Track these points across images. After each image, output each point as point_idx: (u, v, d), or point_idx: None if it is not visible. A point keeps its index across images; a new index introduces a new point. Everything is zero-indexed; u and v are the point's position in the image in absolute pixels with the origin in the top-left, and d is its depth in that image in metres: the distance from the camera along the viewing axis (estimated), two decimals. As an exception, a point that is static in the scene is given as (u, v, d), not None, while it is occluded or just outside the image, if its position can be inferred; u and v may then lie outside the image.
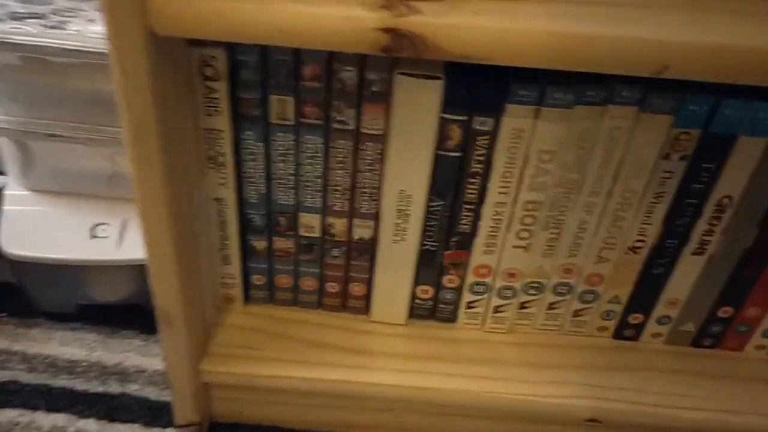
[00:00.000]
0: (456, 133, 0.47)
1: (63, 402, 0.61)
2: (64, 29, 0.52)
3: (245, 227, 0.54)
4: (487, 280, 0.56)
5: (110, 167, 0.61)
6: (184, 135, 0.45)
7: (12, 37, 0.51)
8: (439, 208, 0.51)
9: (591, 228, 0.52)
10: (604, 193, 0.50)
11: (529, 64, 0.36)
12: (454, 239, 0.53)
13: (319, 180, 0.51)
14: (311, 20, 0.35)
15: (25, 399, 0.61)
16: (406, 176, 0.49)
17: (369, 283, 0.57)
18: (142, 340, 0.66)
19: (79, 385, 0.62)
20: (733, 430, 0.56)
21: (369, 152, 0.49)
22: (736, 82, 0.36)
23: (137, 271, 0.62)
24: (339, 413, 0.61)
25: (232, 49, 0.44)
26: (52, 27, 0.52)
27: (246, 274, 0.58)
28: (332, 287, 0.58)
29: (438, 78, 0.44)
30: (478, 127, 0.47)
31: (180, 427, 0.59)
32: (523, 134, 0.47)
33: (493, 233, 0.52)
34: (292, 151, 0.49)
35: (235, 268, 0.57)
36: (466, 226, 0.52)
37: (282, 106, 0.47)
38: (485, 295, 0.57)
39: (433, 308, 0.59)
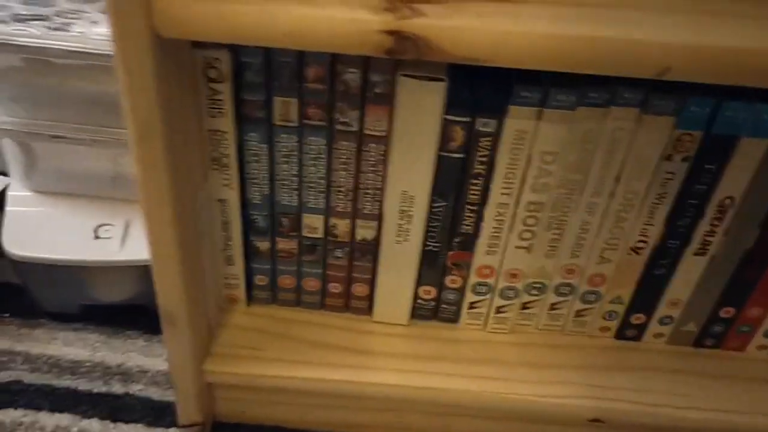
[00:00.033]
0: (459, 135, 0.47)
1: (66, 402, 0.61)
2: (68, 31, 0.52)
3: (248, 228, 0.54)
4: (490, 280, 0.56)
5: (113, 168, 0.61)
6: (188, 136, 0.46)
7: (15, 38, 0.51)
8: (441, 209, 0.51)
9: (593, 229, 0.52)
10: (607, 194, 0.50)
11: (532, 66, 0.36)
12: (456, 240, 0.53)
13: (322, 181, 0.51)
14: (315, 23, 0.35)
15: (29, 399, 0.61)
16: (409, 177, 0.50)
17: (372, 284, 0.57)
18: (145, 340, 0.66)
19: (83, 385, 0.63)
20: (735, 430, 0.56)
21: (372, 153, 0.49)
22: (737, 84, 0.37)
23: (140, 271, 0.63)
24: (341, 413, 0.61)
25: (235, 51, 0.45)
26: (55, 29, 0.52)
27: (249, 274, 0.58)
28: (335, 288, 0.58)
29: (441, 80, 0.44)
30: (480, 129, 0.47)
31: (183, 427, 0.59)
32: (526, 135, 0.47)
33: (495, 234, 0.52)
34: (295, 153, 0.49)
35: (238, 268, 0.57)
36: (469, 227, 0.53)
37: (285, 108, 0.47)
38: (487, 296, 0.57)
39: (435, 309, 0.59)
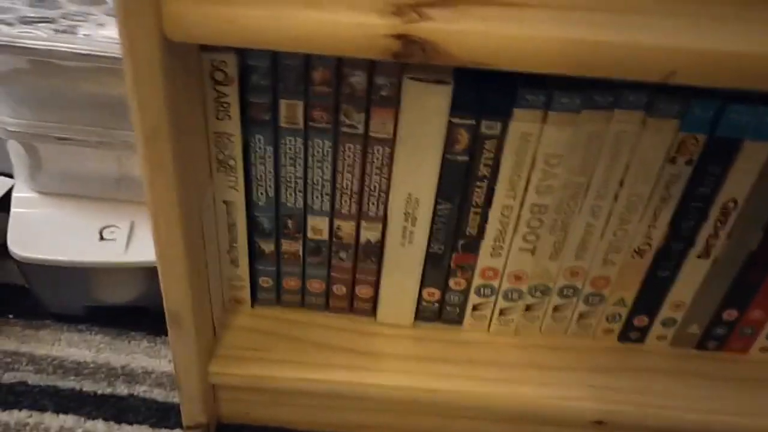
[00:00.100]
0: (464, 137, 0.47)
1: (71, 403, 0.61)
2: (74, 33, 0.52)
3: (253, 230, 0.55)
4: (494, 282, 0.56)
5: (118, 170, 0.61)
6: (194, 138, 0.46)
7: (22, 41, 0.51)
8: (446, 211, 0.52)
9: (597, 231, 0.52)
10: (611, 197, 0.50)
11: (537, 70, 0.37)
12: (461, 242, 0.54)
13: (328, 183, 0.51)
14: (322, 27, 0.36)
15: (34, 400, 0.61)
16: (414, 180, 0.50)
17: (376, 286, 0.58)
18: (149, 341, 0.67)
19: (87, 386, 0.63)
20: (737, 432, 0.56)
21: (377, 156, 0.49)
22: (742, 88, 0.37)
23: (145, 273, 0.63)
24: (345, 414, 0.61)
25: (242, 54, 0.45)
26: (62, 31, 0.52)
27: (254, 276, 0.58)
28: (339, 289, 0.58)
29: (447, 83, 0.45)
30: (485, 131, 0.47)
31: (187, 428, 0.59)
32: (531, 138, 0.47)
33: (499, 236, 0.53)
34: (300, 155, 0.50)
35: (243, 270, 0.57)
36: (473, 229, 0.53)
37: (291, 111, 0.47)
38: (491, 298, 0.57)
39: (439, 310, 0.59)
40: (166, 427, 0.61)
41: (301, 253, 0.56)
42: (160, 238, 0.45)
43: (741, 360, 0.60)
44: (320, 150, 0.49)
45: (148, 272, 0.63)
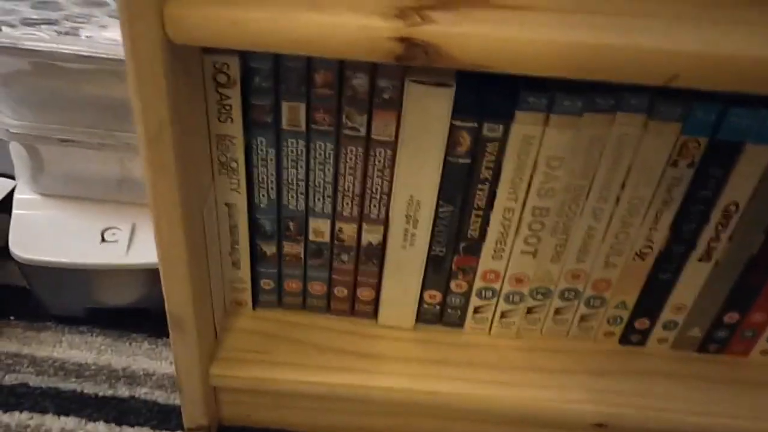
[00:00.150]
0: (466, 140, 0.47)
1: (72, 405, 0.61)
2: (77, 35, 0.52)
3: (255, 232, 0.55)
4: (495, 285, 0.56)
5: (120, 172, 0.62)
6: (196, 140, 0.46)
7: (24, 43, 0.51)
8: (447, 213, 0.52)
9: (598, 234, 0.52)
10: (612, 200, 0.50)
11: (539, 73, 0.37)
12: (462, 244, 0.54)
13: (329, 185, 0.51)
14: (325, 30, 0.36)
15: (35, 402, 0.61)
16: (416, 182, 0.50)
17: (377, 288, 0.58)
18: (151, 343, 0.67)
19: (88, 388, 0.63)
20: (739, 435, 0.56)
21: (379, 158, 0.49)
22: (744, 91, 0.37)
23: (146, 275, 0.63)
24: (346, 417, 0.61)
25: (244, 56, 0.45)
26: (64, 33, 0.52)
27: (255, 278, 0.58)
28: (341, 292, 0.58)
29: (449, 86, 0.45)
30: (487, 134, 0.47)
31: (189, 430, 0.59)
32: (533, 141, 0.47)
33: (501, 239, 0.53)
34: (302, 157, 0.50)
35: (244, 272, 0.57)
36: (475, 232, 0.53)
37: (293, 113, 0.47)
38: (493, 300, 0.57)
39: (440, 313, 0.59)
40: (167, 429, 0.61)
41: (302, 255, 0.56)
42: (162, 240, 0.45)
43: (742, 363, 0.60)
44: (322, 152, 0.49)
45: (150, 274, 0.63)
